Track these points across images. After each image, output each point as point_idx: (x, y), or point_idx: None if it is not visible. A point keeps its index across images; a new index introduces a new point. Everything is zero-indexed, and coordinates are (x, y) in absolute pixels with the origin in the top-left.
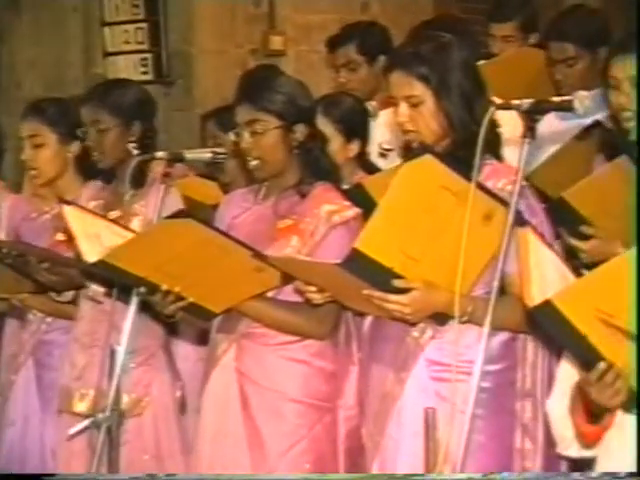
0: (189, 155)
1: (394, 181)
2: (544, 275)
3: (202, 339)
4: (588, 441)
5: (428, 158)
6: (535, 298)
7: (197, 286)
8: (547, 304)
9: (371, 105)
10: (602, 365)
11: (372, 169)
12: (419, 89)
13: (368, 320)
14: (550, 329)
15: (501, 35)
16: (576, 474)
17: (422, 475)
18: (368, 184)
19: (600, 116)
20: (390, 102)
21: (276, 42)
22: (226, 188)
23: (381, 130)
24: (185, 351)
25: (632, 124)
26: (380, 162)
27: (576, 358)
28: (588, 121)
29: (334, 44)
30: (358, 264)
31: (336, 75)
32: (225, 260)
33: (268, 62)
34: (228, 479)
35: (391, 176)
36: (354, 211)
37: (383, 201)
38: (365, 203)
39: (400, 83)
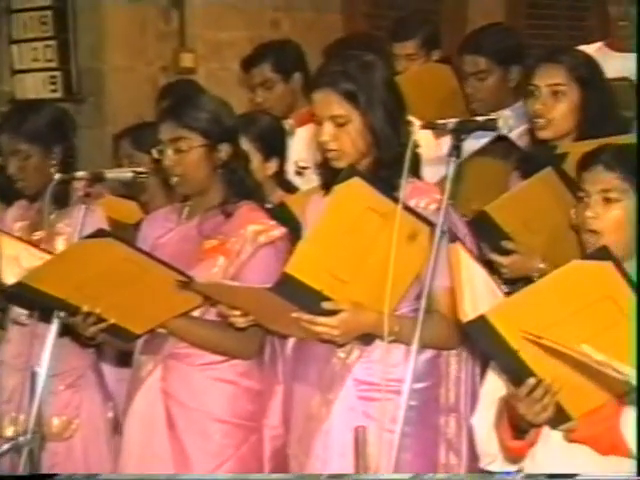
0: (109, 174)
1: (325, 204)
2: (475, 290)
3: (121, 360)
4: (513, 456)
5: (356, 180)
6: (467, 313)
7: (118, 307)
8: (481, 319)
9: (288, 123)
10: (531, 380)
11: (290, 187)
12: (346, 108)
13: (291, 341)
14: (483, 344)
15: (404, 54)
16: (497, 476)
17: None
18: (291, 203)
19: (514, 132)
20: (307, 120)
21: (186, 59)
22: (145, 207)
23: (297, 148)
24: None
25: (545, 133)
26: (296, 180)
27: (506, 373)
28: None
29: (248, 64)
30: (288, 288)
31: (252, 95)
32: (146, 279)
33: (180, 79)
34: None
35: (308, 196)
36: (280, 231)
37: (313, 224)
38: (288, 222)
39: (326, 102)
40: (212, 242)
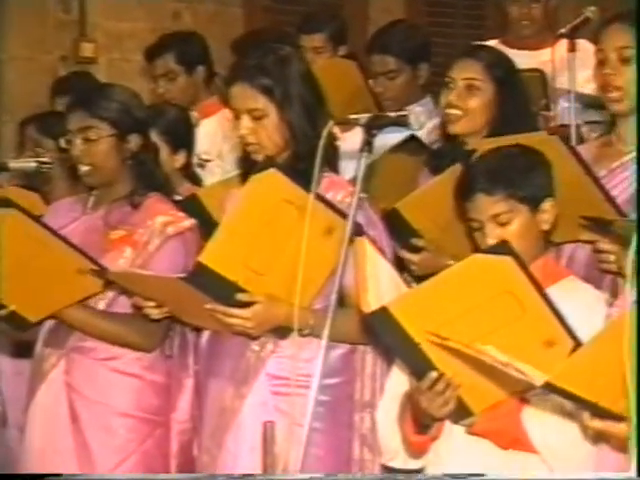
0: (13, 165)
1: (240, 195)
2: (379, 284)
3: (18, 352)
4: (416, 451)
5: (272, 172)
6: (371, 305)
7: (15, 290)
8: (383, 311)
9: (191, 115)
10: (433, 374)
11: (197, 180)
12: (263, 102)
13: (206, 334)
14: (385, 336)
15: (311, 46)
16: (401, 476)
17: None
18: (202, 195)
19: (424, 129)
20: (210, 112)
21: (87, 49)
22: (47, 199)
23: (200, 140)
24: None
25: (456, 127)
26: (199, 172)
27: (408, 366)
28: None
29: (152, 54)
30: (202, 278)
31: (154, 86)
32: (46, 260)
33: (79, 69)
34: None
35: (225, 187)
36: (189, 222)
37: (228, 215)
38: (199, 214)
39: (243, 96)
40: (119, 233)
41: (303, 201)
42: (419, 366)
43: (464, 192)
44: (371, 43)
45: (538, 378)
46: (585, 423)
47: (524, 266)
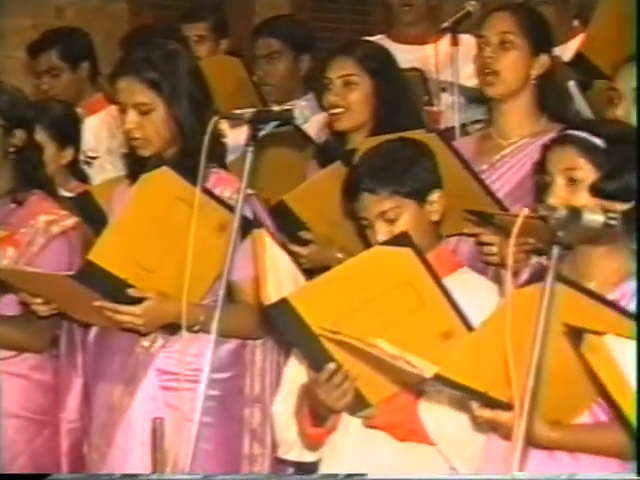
0: None
1: (131, 192)
2: (279, 276)
3: None
4: (312, 443)
5: (164, 170)
6: (271, 297)
7: None
8: (283, 302)
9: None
10: (331, 366)
11: (84, 177)
12: (150, 96)
13: (93, 331)
14: (284, 328)
15: (194, 35)
16: (296, 477)
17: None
18: (95, 192)
19: (310, 123)
20: (96, 108)
21: None
22: None
23: (86, 137)
24: None
25: (341, 124)
26: (86, 170)
27: (307, 358)
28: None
29: (35, 50)
30: (91, 275)
31: (38, 82)
32: None
33: None
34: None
35: (114, 184)
36: (73, 220)
37: (119, 212)
38: (92, 211)
39: (130, 90)
40: (0, 233)
41: (192, 197)
42: (318, 358)
43: (350, 192)
44: (257, 28)
45: (428, 370)
46: (474, 413)
47: (423, 257)
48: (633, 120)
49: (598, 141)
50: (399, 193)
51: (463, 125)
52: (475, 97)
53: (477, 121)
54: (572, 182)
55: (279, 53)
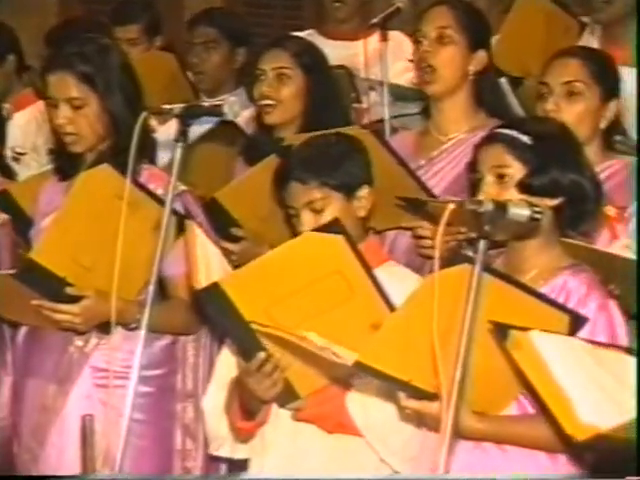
0: None
1: (71, 190)
2: (210, 267)
3: None
4: (243, 436)
5: (104, 167)
6: (203, 284)
7: None
8: (214, 287)
9: (4, 107)
10: (262, 355)
11: (11, 174)
12: (83, 90)
13: (24, 329)
14: (215, 314)
15: (126, 38)
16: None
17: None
18: (14, 190)
19: (240, 118)
20: (24, 104)
21: None
22: None
23: (14, 133)
24: None
25: (271, 117)
26: (14, 166)
27: (238, 346)
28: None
29: None
30: (31, 274)
31: None
32: None
33: None
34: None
35: (38, 181)
36: (0, 218)
37: (58, 210)
38: (10, 209)
39: (62, 84)
40: None
41: (132, 197)
42: (249, 346)
43: (280, 180)
44: (195, 18)
45: (351, 359)
46: (401, 404)
47: (354, 246)
48: (583, 118)
49: (525, 138)
50: (328, 185)
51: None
52: (402, 96)
53: (404, 115)
54: (501, 179)
55: (215, 42)
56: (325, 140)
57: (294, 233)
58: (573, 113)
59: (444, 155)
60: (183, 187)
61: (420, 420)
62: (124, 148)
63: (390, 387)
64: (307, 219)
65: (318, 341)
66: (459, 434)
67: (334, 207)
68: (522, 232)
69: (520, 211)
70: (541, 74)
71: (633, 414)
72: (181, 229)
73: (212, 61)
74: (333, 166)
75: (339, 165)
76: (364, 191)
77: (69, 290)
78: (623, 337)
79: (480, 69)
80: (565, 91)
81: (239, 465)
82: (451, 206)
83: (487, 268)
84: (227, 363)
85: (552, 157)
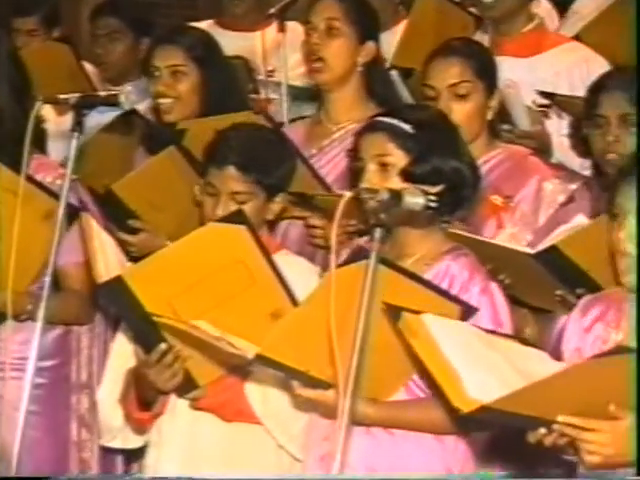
0: None
1: None
2: (107, 259)
3: None
4: (139, 427)
5: None
6: (102, 275)
7: None
8: (117, 280)
9: None
10: (162, 346)
11: None
12: None
13: None
14: (117, 306)
15: (25, 29)
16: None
17: None
18: None
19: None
20: None
21: None
22: None
23: None
24: None
25: (169, 116)
26: None
27: (139, 338)
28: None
29: None
30: None
31: None
32: None
33: None
34: None
35: None
36: None
37: None
38: None
39: None
40: None
41: (17, 186)
42: (150, 338)
43: (214, 160)
44: (97, 8)
45: (250, 351)
46: (295, 392)
47: (256, 236)
48: None
49: (407, 126)
50: (261, 183)
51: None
52: (299, 95)
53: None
54: (383, 167)
55: (119, 33)
56: (266, 137)
57: (201, 222)
58: (463, 113)
59: (335, 144)
60: (73, 176)
61: (314, 408)
62: (11, 138)
63: (287, 377)
64: (226, 207)
65: (212, 331)
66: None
67: (253, 205)
68: (411, 219)
69: (415, 199)
70: (424, 74)
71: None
72: (71, 219)
73: (116, 52)
74: (272, 167)
75: (277, 168)
76: (281, 197)
77: None
78: (506, 319)
79: (369, 60)
80: (452, 93)
81: (135, 455)
82: (347, 195)
83: (383, 260)
84: (122, 353)
85: (433, 145)
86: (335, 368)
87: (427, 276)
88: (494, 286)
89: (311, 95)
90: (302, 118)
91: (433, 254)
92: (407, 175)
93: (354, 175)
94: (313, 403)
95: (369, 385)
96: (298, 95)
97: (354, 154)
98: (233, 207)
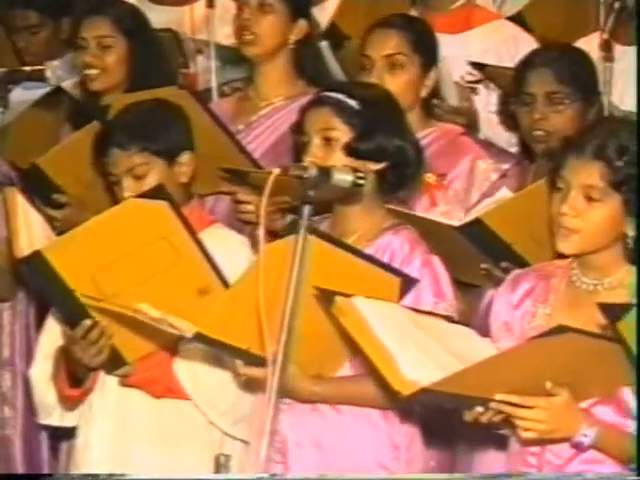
0: None
1: None
2: (32, 233)
3: None
4: (70, 404)
5: None
6: (24, 252)
7: None
8: (36, 255)
9: None
10: (87, 322)
11: None
12: None
13: None
14: (38, 282)
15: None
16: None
17: None
18: None
19: (65, 84)
20: None
21: None
22: None
23: None
24: None
25: (96, 84)
26: None
27: (63, 314)
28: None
29: None
30: None
31: None
32: None
33: None
34: None
35: None
36: None
37: None
38: None
39: None
40: None
41: None
42: (74, 314)
43: (101, 148)
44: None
45: (189, 330)
46: (239, 371)
47: (179, 211)
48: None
49: (352, 102)
50: (148, 150)
51: (222, 85)
52: (231, 58)
53: (234, 81)
54: (328, 142)
55: (39, 25)
56: (146, 106)
57: (115, 201)
58: (395, 85)
59: (262, 120)
60: None
61: (257, 385)
62: None
63: (227, 355)
64: (129, 185)
65: (153, 313)
66: (297, 398)
67: (155, 173)
68: (345, 197)
69: (344, 176)
70: (362, 45)
71: (452, 371)
72: None
73: (39, 43)
74: (154, 132)
75: (160, 131)
76: (185, 157)
77: None
78: (448, 290)
79: (301, 38)
80: (387, 64)
81: (64, 433)
82: (275, 172)
83: (318, 233)
84: (52, 331)
85: (378, 122)
86: (264, 345)
87: (368, 251)
88: (435, 259)
89: (240, 58)
90: (231, 82)
91: (375, 231)
92: (351, 150)
93: (298, 150)
94: (257, 381)
95: (312, 362)
96: (227, 58)
97: (299, 128)
98: (135, 183)
